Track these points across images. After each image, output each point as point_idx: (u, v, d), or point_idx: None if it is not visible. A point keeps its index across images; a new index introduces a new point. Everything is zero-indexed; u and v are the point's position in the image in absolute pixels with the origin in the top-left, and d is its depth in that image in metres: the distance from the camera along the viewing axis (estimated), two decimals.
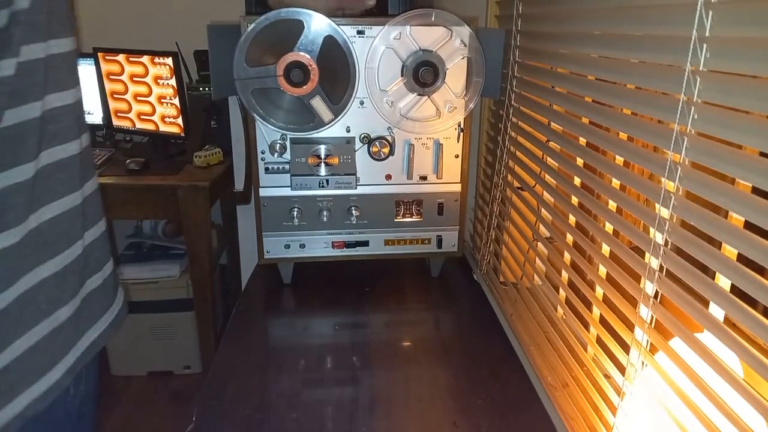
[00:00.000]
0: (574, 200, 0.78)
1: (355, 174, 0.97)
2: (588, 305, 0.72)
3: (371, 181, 0.99)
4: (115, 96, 1.85)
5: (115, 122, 1.90)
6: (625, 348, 0.62)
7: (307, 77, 0.88)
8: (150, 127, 1.85)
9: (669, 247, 0.54)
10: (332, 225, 1.00)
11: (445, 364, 0.84)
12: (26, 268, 0.52)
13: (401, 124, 0.95)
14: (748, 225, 0.44)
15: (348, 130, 0.96)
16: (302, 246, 1.01)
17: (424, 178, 1.00)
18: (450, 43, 0.91)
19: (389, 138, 0.96)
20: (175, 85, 1.75)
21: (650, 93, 0.58)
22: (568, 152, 0.78)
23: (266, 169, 0.96)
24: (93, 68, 1.84)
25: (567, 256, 0.80)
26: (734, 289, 0.46)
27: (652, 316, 0.57)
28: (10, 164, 0.50)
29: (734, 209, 0.46)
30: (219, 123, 1.83)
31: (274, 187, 0.97)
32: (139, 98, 1.82)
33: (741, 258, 0.45)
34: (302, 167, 0.95)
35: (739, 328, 0.54)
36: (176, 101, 1.77)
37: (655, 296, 0.56)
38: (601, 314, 0.68)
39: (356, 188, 0.98)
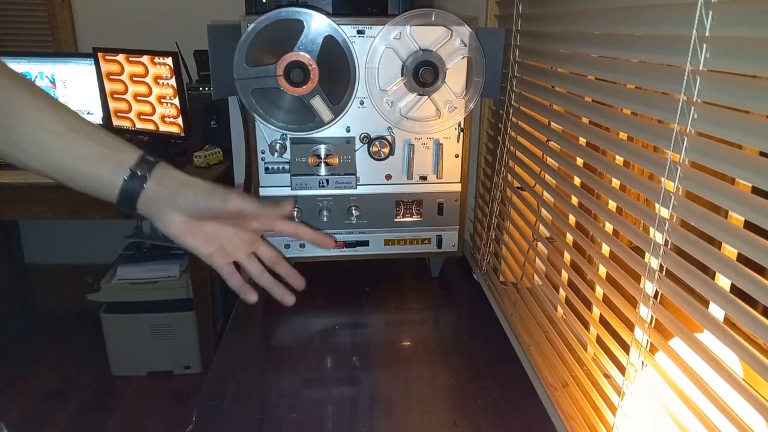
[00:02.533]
0: (574, 200, 0.78)
1: (355, 174, 0.97)
2: (588, 305, 0.72)
3: (371, 181, 0.99)
4: (115, 96, 1.85)
5: (115, 122, 1.90)
6: (625, 348, 0.62)
7: (307, 77, 0.88)
8: (150, 127, 1.85)
9: (669, 247, 0.54)
10: (332, 225, 1.00)
11: (445, 364, 0.84)
12: None
13: (401, 124, 0.95)
14: (748, 225, 0.44)
15: (348, 130, 0.96)
16: (302, 246, 1.01)
17: (424, 178, 1.00)
18: (450, 43, 0.91)
19: (389, 138, 0.96)
20: (175, 85, 1.75)
21: (650, 93, 0.58)
22: (568, 152, 0.78)
23: (266, 169, 0.96)
24: (93, 68, 1.84)
25: (567, 256, 0.80)
26: (734, 289, 0.46)
27: (652, 316, 0.57)
28: None
29: (734, 209, 0.46)
30: (219, 123, 1.83)
31: (274, 187, 0.97)
32: (139, 98, 1.82)
33: (741, 258, 0.45)
34: (302, 167, 0.95)
35: (739, 328, 0.54)
36: (176, 101, 1.77)
37: (655, 296, 0.56)
38: (601, 314, 0.68)
39: (356, 188, 0.98)
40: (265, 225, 0.68)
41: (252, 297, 0.69)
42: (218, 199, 0.62)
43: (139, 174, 0.59)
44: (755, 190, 0.43)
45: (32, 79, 1.91)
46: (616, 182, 0.67)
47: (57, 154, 0.57)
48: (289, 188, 0.96)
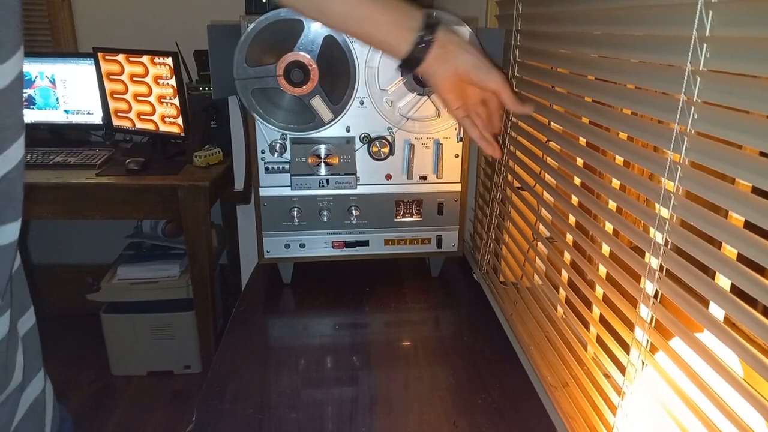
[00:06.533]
0: (574, 200, 0.78)
1: (355, 174, 0.97)
2: (588, 305, 0.72)
3: (371, 180, 0.99)
4: (115, 96, 1.86)
5: (115, 122, 1.90)
6: (625, 348, 0.62)
7: (307, 77, 0.88)
8: (150, 127, 1.85)
9: (669, 247, 0.54)
10: (332, 225, 1.00)
11: (445, 364, 0.84)
12: None
13: (401, 124, 0.95)
14: (748, 225, 0.44)
15: (348, 130, 0.96)
16: (302, 246, 1.01)
17: (424, 178, 1.00)
18: None
19: (389, 138, 0.96)
20: (175, 85, 1.75)
21: (650, 93, 0.58)
22: (568, 152, 0.78)
23: (266, 169, 0.96)
24: (93, 68, 1.84)
25: (567, 256, 0.80)
26: (734, 289, 0.46)
27: (652, 316, 0.57)
28: None
29: (734, 209, 0.46)
30: (219, 123, 1.84)
31: (274, 187, 0.97)
32: (139, 98, 1.82)
33: (741, 258, 0.45)
34: (302, 167, 0.95)
35: (739, 328, 0.54)
36: (176, 101, 1.77)
37: (655, 296, 0.56)
38: (601, 314, 0.68)
39: (356, 188, 0.98)
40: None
41: (491, 150, 0.78)
42: (483, 76, 0.72)
43: (425, 39, 0.69)
44: (755, 190, 0.43)
45: (32, 80, 1.91)
46: (616, 182, 0.67)
47: (355, 24, 0.70)
48: (289, 188, 0.96)
